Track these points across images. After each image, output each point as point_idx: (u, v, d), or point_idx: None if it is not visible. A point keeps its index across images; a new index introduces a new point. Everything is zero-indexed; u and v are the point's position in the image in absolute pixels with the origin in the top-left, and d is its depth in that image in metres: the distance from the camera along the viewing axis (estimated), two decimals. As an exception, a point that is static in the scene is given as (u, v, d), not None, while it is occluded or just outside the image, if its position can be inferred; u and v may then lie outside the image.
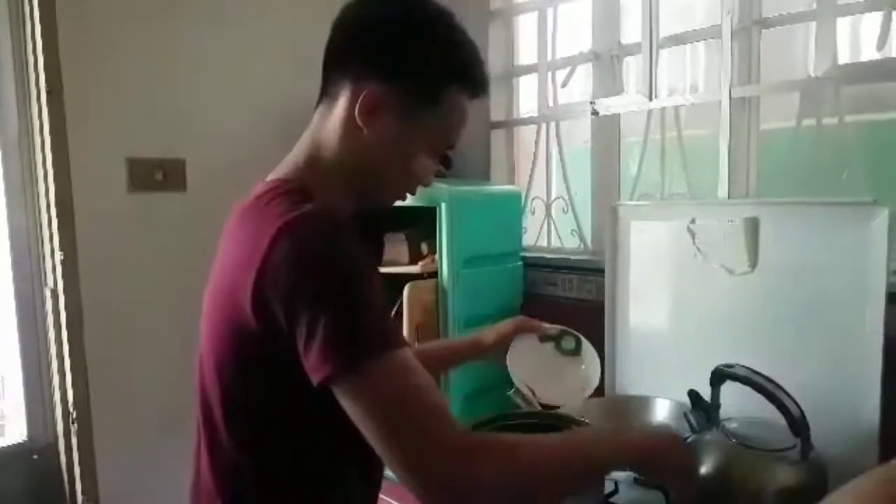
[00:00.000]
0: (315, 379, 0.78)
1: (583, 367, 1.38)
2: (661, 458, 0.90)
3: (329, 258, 0.79)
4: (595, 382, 1.35)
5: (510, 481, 0.78)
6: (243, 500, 0.92)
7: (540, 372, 1.34)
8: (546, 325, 1.38)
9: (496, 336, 1.34)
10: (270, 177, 0.96)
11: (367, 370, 0.77)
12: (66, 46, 1.70)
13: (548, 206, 2.14)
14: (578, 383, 1.35)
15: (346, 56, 0.92)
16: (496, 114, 2.22)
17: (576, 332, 1.41)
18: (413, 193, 1.00)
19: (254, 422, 0.89)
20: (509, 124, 2.24)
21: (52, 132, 1.69)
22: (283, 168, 0.96)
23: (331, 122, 0.92)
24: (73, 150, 1.72)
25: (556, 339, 1.39)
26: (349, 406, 0.78)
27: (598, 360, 1.38)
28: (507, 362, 1.32)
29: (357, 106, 0.88)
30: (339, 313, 0.77)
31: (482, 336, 1.36)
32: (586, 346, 1.39)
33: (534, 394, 1.45)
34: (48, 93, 1.68)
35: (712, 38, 1.71)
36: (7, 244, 1.77)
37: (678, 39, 1.80)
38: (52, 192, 1.71)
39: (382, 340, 0.78)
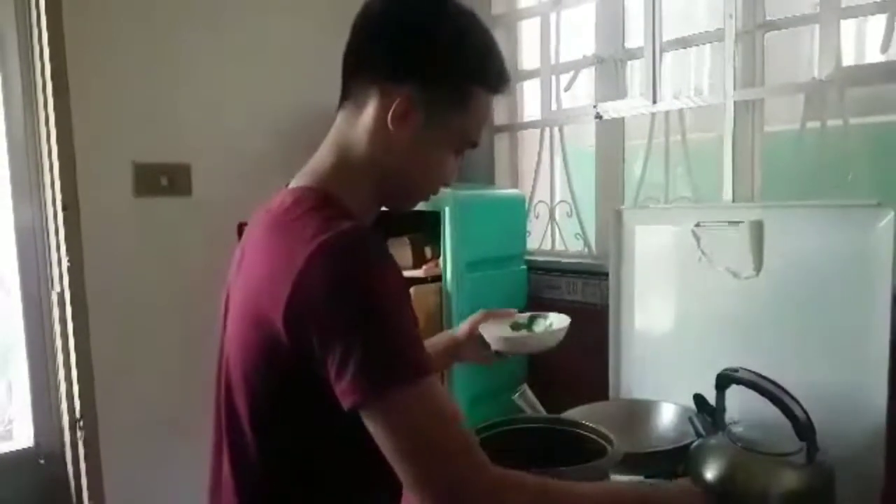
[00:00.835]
0: (345, 403, 0.78)
1: (549, 321, 1.39)
2: None
3: (364, 283, 0.79)
4: (563, 322, 1.35)
5: None
6: None
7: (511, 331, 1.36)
8: (517, 313, 1.40)
9: (469, 324, 1.35)
10: (294, 183, 0.96)
11: (397, 397, 0.77)
12: (73, 51, 1.71)
13: (552, 210, 2.14)
14: (548, 328, 1.37)
15: (371, 61, 0.92)
16: (500, 118, 2.23)
17: (546, 313, 1.42)
18: (436, 193, 1.01)
19: (281, 431, 0.88)
20: (513, 128, 2.25)
21: (58, 137, 1.70)
22: (307, 174, 0.96)
23: (359, 126, 0.93)
24: (79, 155, 1.73)
25: (528, 324, 1.40)
26: (377, 431, 0.78)
27: (567, 318, 1.38)
28: (479, 329, 1.32)
29: (390, 112, 0.89)
30: (372, 339, 0.78)
31: (455, 330, 1.37)
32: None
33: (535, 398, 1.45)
34: (55, 97, 1.68)
35: (716, 41, 1.71)
36: (14, 249, 1.78)
37: (681, 43, 1.80)
38: (59, 197, 1.72)
39: (414, 368, 0.79)
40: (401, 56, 0.89)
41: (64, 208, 1.71)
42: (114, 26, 1.79)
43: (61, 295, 1.77)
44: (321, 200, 0.89)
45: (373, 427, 0.79)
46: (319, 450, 0.88)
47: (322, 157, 0.96)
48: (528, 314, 1.41)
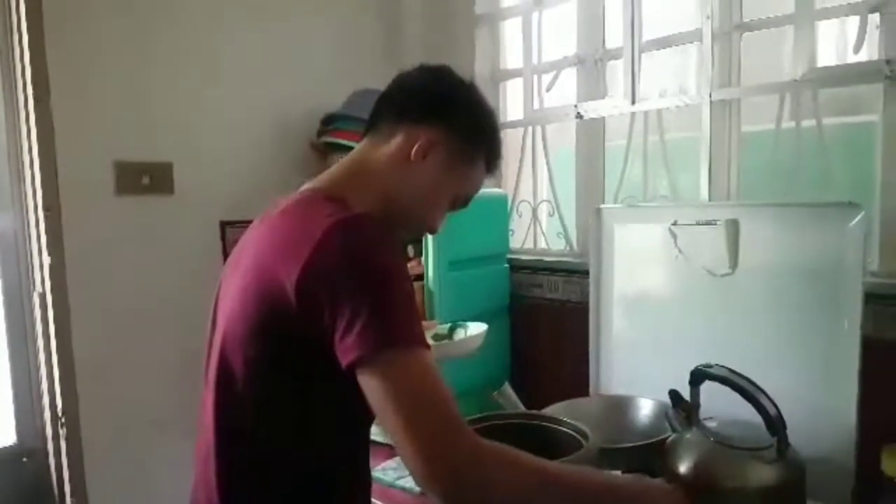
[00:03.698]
0: (346, 360, 0.84)
1: (468, 329, 1.51)
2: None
3: (377, 257, 0.88)
4: (479, 329, 1.48)
5: (514, 493, 0.85)
6: (253, 468, 0.95)
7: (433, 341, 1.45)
8: (439, 325, 1.54)
9: None
10: (305, 188, 1.05)
11: (395, 359, 0.83)
12: (54, 51, 1.70)
13: (534, 209, 2.16)
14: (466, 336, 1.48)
15: (404, 107, 1.07)
16: (483, 117, 2.24)
17: (466, 323, 1.54)
18: (422, 234, 1.15)
19: (279, 400, 0.93)
20: (496, 127, 2.26)
21: (39, 137, 1.69)
22: (320, 181, 1.06)
23: (381, 152, 1.05)
24: (60, 154, 1.72)
25: (449, 334, 1.51)
26: (372, 389, 0.83)
27: (484, 325, 1.50)
28: None
29: (416, 145, 1.03)
30: (378, 304, 0.85)
31: None
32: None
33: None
34: (35, 95, 1.68)
35: (693, 41, 1.73)
36: (-5, 250, 1.77)
37: (660, 43, 1.82)
38: (40, 196, 1.71)
39: (414, 337, 0.86)
40: (436, 109, 1.06)
41: (46, 209, 1.71)
42: (95, 26, 1.78)
43: (43, 296, 1.76)
44: (333, 197, 0.98)
45: (368, 385, 0.84)
46: (314, 417, 0.93)
47: (338, 169, 1.07)
48: (448, 325, 1.54)
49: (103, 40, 1.80)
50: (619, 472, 1.37)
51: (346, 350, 0.84)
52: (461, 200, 1.12)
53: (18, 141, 1.75)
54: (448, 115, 1.06)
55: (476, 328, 1.49)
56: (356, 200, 0.98)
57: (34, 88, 1.68)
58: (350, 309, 0.84)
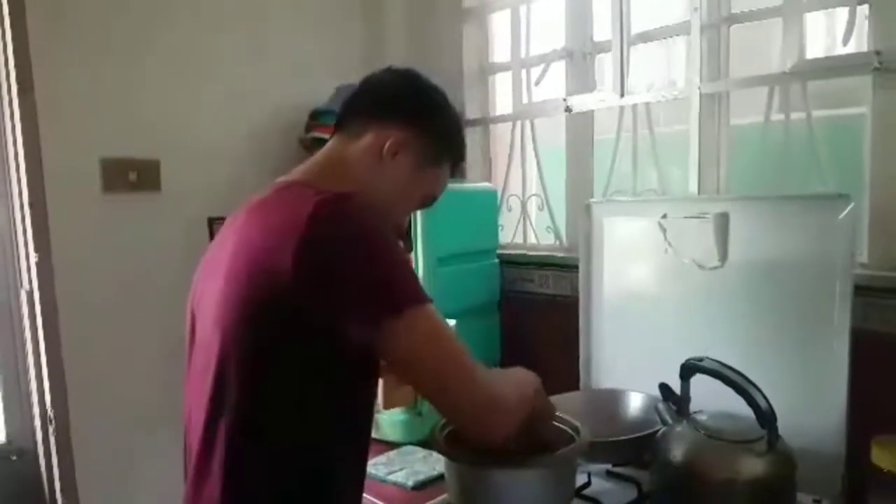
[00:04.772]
0: (364, 328, 0.87)
1: None
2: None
3: (368, 229, 0.91)
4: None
5: (514, 410, 0.98)
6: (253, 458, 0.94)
7: None
8: None
9: None
10: (280, 180, 1.05)
11: (413, 314, 0.88)
12: (37, 46, 1.68)
13: (524, 204, 2.16)
14: None
15: (375, 107, 1.09)
16: (471, 111, 2.23)
17: None
18: (393, 230, 1.13)
19: (278, 387, 0.92)
20: (485, 122, 2.25)
21: (23, 131, 1.68)
22: (294, 174, 1.06)
23: (351, 148, 1.07)
24: (45, 150, 1.71)
25: None
26: (398, 350, 0.90)
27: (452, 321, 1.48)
28: None
29: (387, 144, 1.05)
30: (381, 273, 0.89)
31: None
32: None
33: None
34: (19, 91, 1.66)
35: (682, 34, 1.73)
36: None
37: (648, 37, 1.81)
38: (26, 192, 1.70)
39: (422, 295, 0.91)
40: (405, 110, 1.08)
41: (30, 206, 1.69)
42: (80, 21, 1.77)
43: (30, 293, 1.75)
44: (310, 186, 0.98)
45: (387, 349, 0.90)
46: (315, 403, 0.93)
47: (310, 163, 1.08)
48: None
49: (90, 35, 1.79)
50: (608, 466, 1.38)
51: (361, 319, 0.87)
52: (429, 199, 1.15)
53: (3, 134, 1.74)
54: (418, 117, 1.08)
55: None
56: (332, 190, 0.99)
57: (18, 79, 1.66)
58: (354, 282, 0.87)
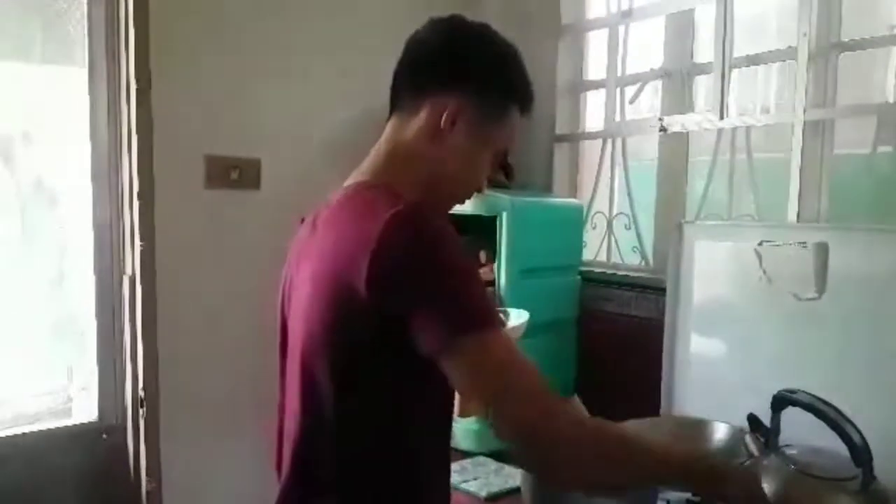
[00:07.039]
0: (430, 350, 0.87)
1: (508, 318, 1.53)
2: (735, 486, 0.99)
3: (442, 245, 0.89)
4: (522, 317, 1.52)
5: (600, 470, 0.90)
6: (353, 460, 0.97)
7: None
8: None
9: None
10: (349, 182, 1.05)
11: (477, 341, 0.86)
12: (157, 45, 1.76)
13: (609, 222, 2.14)
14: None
15: (426, 76, 1.05)
16: (561, 127, 2.23)
17: (507, 310, 1.58)
18: (469, 197, 1.11)
19: (361, 388, 0.94)
20: (574, 138, 2.25)
21: (138, 128, 1.76)
22: (362, 173, 1.05)
23: (409, 130, 1.04)
24: (156, 145, 1.79)
25: None
26: (460, 374, 0.88)
27: (526, 313, 1.53)
28: None
29: (444, 115, 1.01)
30: (449, 294, 0.87)
31: None
32: None
33: None
34: (138, 91, 1.75)
35: (787, 59, 1.69)
36: (92, 234, 1.85)
37: (752, 60, 1.78)
38: (136, 184, 1.79)
39: (491, 317, 0.89)
40: (453, 71, 1.03)
41: (139, 196, 1.79)
42: (194, 23, 1.84)
43: (132, 279, 1.84)
44: (382, 187, 0.99)
45: (456, 371, 0.87)
46: (394, 406, 0.95)
47: (375, 158, 1.06)
48: None
49: (200, 38, 1.86)
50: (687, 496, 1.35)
51: (429, 342, 0.86)
52: (501, 154, 1.13)
53: (119, 128, 1.84)
54: (469, 75, 1.03)
55: (518, 316, 1.49)
56: (402, 185, 0.99)
57: (137, 80, 1.75)
58: (423, 302, 0.87)
